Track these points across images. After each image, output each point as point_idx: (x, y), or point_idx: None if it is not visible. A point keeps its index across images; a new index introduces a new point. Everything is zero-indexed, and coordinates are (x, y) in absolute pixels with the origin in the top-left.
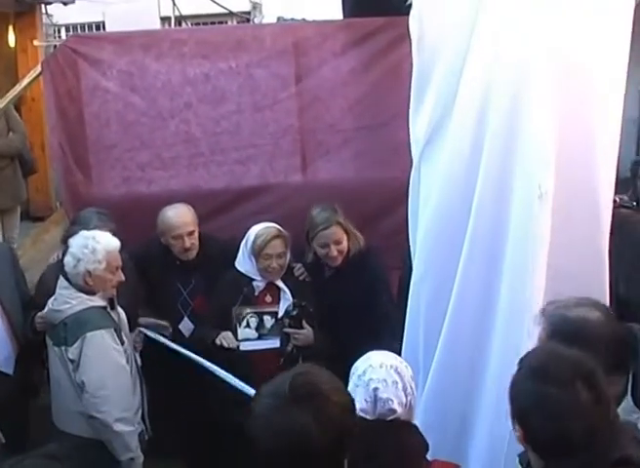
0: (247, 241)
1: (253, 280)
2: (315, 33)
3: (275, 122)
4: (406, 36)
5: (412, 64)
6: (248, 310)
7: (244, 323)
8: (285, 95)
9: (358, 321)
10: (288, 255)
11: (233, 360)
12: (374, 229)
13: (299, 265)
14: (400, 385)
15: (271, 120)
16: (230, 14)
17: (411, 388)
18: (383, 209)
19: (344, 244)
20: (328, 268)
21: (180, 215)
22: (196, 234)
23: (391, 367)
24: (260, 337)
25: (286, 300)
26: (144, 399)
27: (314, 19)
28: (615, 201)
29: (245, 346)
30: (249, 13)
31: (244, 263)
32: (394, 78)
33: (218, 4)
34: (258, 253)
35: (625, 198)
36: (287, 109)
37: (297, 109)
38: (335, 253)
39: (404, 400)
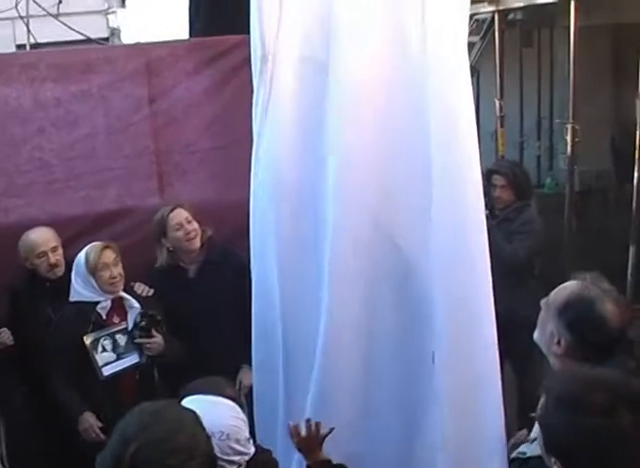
0: (77, 267)
1: (97, 304)
2: (167, 53)
3: (130, 144)
4: None
5: None
6: (99, 335)
7: (100, 348)
8: (139, 116)
9: (228, 320)
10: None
11: (100, 389)
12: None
13: (137, 284)
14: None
15: (126, 143)
16: (88, 40)
17: (239, 446)
18: (242, 229)
19: (196, 225)
20: (189, 268)
21: (40, 234)
22: (60, 251)
23: None
24: (119, 357)
25: (133, 310)
26: (2, 441)
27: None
28: None
29: (107, 371)
30: (107, 39)
31: (82, 291)
32: (248, 96)
33: (75, 30)
34: (94, 267)
35: None
36: (141, 131)
37: (151, 131)
38: (191, 230)
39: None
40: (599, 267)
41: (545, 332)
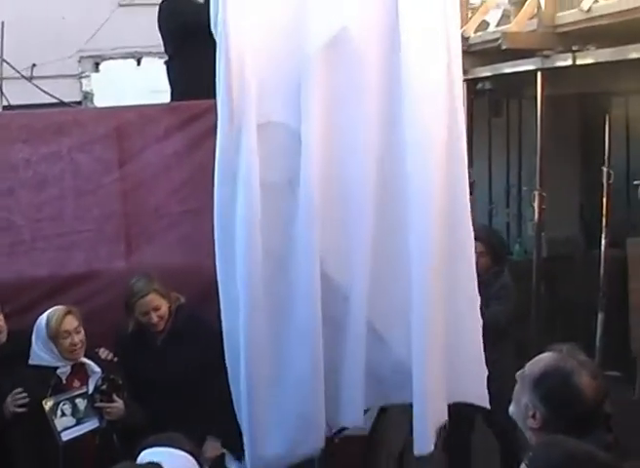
0: (38, 330)
1: (57, 368)
2: (137, 117)
3: (99, 207)
4: None
5: None
6: (59, 399)
7: (59, 413)
8: (108, 179)
9: (193, 390)
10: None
11: (59, 454)
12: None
13: (102, 349)
14: None
15: (95, 205)
16: (62, 103)
17: None
18: (209, 293)
19: (164, 309)
20: (158, 334)
21: None
22: (1, 316)
23: None
24: (78, 422)
25: (95, 374)
26: None
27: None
28: None
29: (67, 436)
30: (80, 102)
31: (42, 355)
32: None
33: (48, 93)
34: (55, 334)
35: None
36: (110, 194)
37: (120, 194)
38: (155, 319)
39: None
40: (567, 333)
41: (520, 406)
